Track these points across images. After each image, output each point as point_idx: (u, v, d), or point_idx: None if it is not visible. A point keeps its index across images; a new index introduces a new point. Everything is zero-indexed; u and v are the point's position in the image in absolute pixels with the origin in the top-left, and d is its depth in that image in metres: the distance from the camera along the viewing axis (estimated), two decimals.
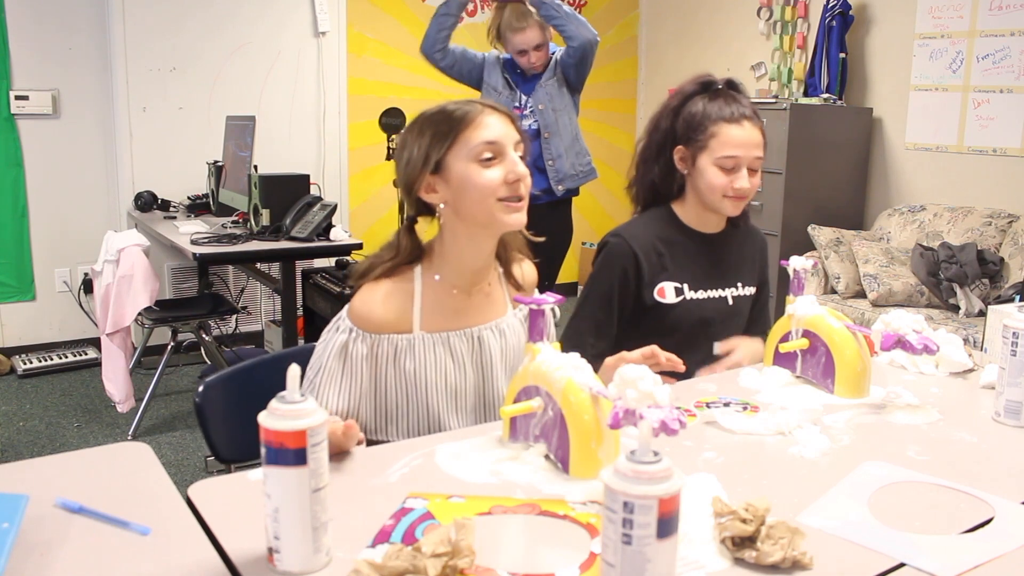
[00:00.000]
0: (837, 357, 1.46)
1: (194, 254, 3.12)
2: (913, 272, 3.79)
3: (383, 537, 0.95)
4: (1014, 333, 1.33)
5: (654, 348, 1.50)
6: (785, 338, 1.56)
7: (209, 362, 3.95)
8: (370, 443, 1.32)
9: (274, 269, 3.82)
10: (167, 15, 4.14)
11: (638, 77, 5.94)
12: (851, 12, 4.44)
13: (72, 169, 4.17)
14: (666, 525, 0.77)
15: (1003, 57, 3.96)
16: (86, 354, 4.18)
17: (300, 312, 3.68)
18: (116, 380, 3.25)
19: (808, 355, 1.53)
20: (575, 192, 3.48)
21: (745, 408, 1.40)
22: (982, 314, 3.47)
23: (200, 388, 1.50)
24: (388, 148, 3.77)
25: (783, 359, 1.58)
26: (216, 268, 4.23)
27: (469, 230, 1.37)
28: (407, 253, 1.39)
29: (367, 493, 1.08)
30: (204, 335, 3.70)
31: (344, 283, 3.35)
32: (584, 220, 5.25)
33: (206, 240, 3.25)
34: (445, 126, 1.34)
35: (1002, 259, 3.74)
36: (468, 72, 3.40)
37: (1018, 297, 3.12)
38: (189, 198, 4.13)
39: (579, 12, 3.32)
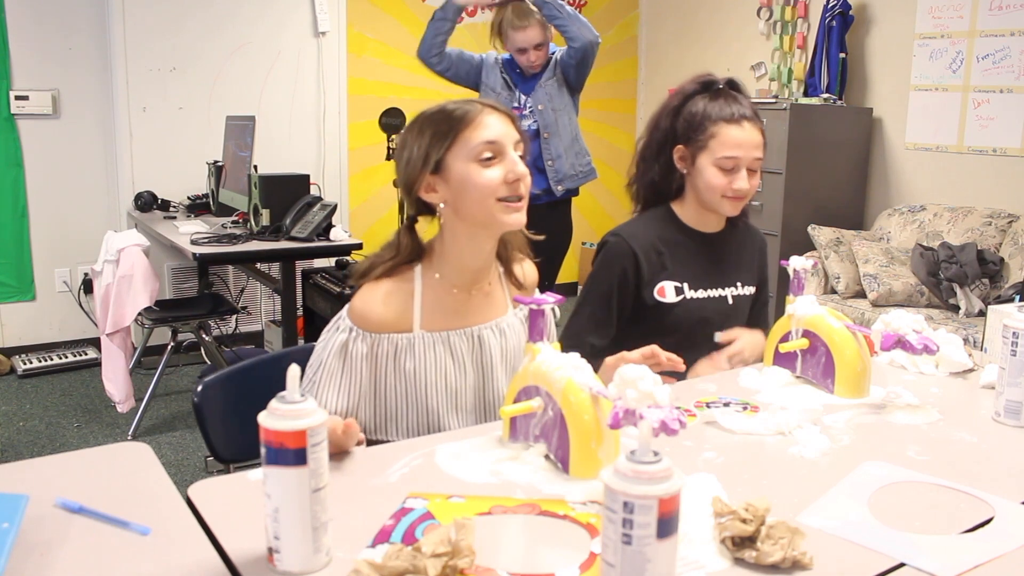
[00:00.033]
0: (837, 357, 1.46)
1: (194, 254, 3.12)
2: (913, 272, 3.79)
3: (383, 537, 0.95)
4: (1014, 333, 1.33)
5: (654, 348, 1.50)
6: (785, 338, 1.56)
7: (209, 362, 3.95)
8: (370, 443, 1.32)
9: (274, 269, 3.82)
10: (167, 15, 4.14)
11: (638, 77, 5.94)
12: (851, 12, 4.44)
13: (72, 169, 4.17)
14: (666, 525, 0.77)
15: (1003, 57, 3.96)
16: (86, 354, 4.18)
17: (300, 312, 3.69)
18: (116, 380, 3.25)
19: (808, 355, 1.53)
20: (575, 192, 3.48)
21: (745, 408, 1.40)
22: (982, 314, 3.47)
23: (199, 388, 1.50)
24: (388, 148, 3.77)
25: (783, 359, 1.58)
26: (216, 268, 4.22)
27: (469, 230, 1.37)
28: (407, 252, 1.39)
29: (367, 493, 1.08)
30: (204, 335, 3.70)
31: (344, 283, 3.35)
32: (584, 220, 5.25)
33: (206, 240, 3.25)
34: (445, 126, 1.34)
35: (1002, 259, 3.74)
36: (465, 74, 3.40)
37: (1018, 297, 3.12)
38: (189, 198, 4.13)
39: (579, 12, 3.32)
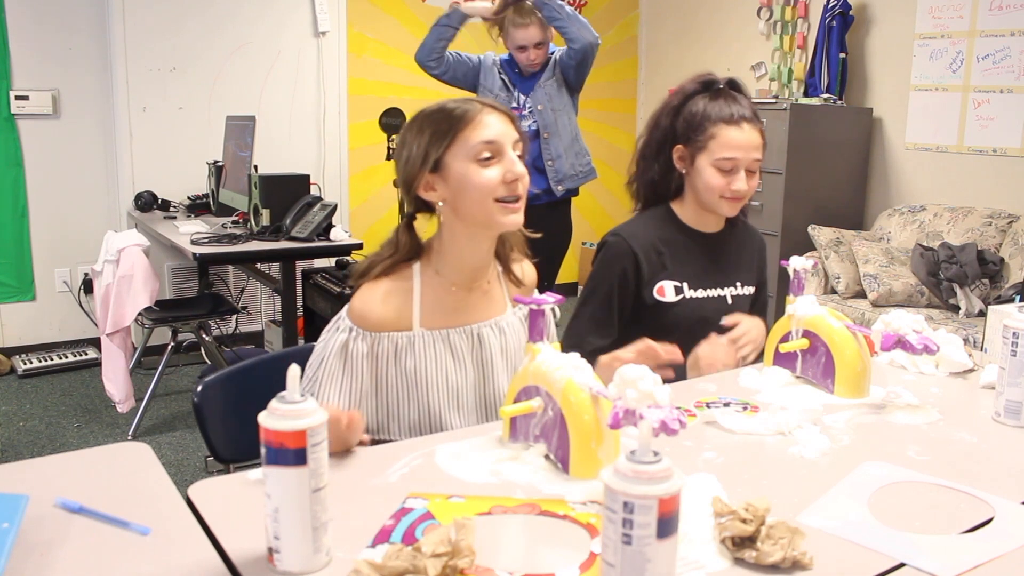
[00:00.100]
0: (837, 357, 1.46)
1: (194, 254, 3.12)
2: (913, 272, 3.79)
3: (383, 537, 0.95)
4: (1014, 333, 1.33)
5: (647, 341, 1.50)
6: (785, 338, 1.56)
7: (209, 362, 3.95)
8: (373, 442, 1.32)
9: (274, 269, 3.82)
10: (167, 15, 4.14)
11: (638, 77, 5.94)
12: (851, 12, 4.44)
13: (72, 169, 4.17)
14: (666, 525, 0.77)
15: (1003, 57, 3.96)
16: (86, 354, 4.18)
17: (300, 312, 3.68)
18: (116, 380, 3.25)
19: (808, 355, 1.53)
20: (575, 192, 3.48)
21: (745, 408, 1.40)
22: (982, 314, 3.47)
23: (199, 388, 1.50)
24: (388, 148, 3.77)
25: (783, 359, 1.58)
26: (216, 268, 4.22)
27: (468, 229, 1.37)
28: (406, 250, 1.39)
29: (367, 493, 1.08)
30: (204, 335, 3.70)
31: (344, 283, 3.35)
32: (584, 220, 5.25)
33: (206, 240, 3.25)
34: (444, 125, 1.34)
35: (1002, 259, 3.74)
36: (463, 76, 3.40)
37: (1018, 297, 3.12)
38: (189, 198, 4.13)
39: (579, 12, 3.32)
